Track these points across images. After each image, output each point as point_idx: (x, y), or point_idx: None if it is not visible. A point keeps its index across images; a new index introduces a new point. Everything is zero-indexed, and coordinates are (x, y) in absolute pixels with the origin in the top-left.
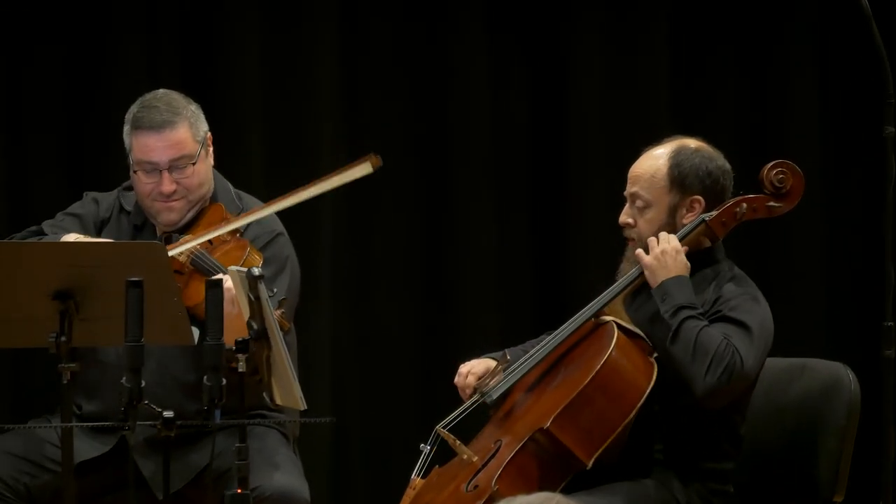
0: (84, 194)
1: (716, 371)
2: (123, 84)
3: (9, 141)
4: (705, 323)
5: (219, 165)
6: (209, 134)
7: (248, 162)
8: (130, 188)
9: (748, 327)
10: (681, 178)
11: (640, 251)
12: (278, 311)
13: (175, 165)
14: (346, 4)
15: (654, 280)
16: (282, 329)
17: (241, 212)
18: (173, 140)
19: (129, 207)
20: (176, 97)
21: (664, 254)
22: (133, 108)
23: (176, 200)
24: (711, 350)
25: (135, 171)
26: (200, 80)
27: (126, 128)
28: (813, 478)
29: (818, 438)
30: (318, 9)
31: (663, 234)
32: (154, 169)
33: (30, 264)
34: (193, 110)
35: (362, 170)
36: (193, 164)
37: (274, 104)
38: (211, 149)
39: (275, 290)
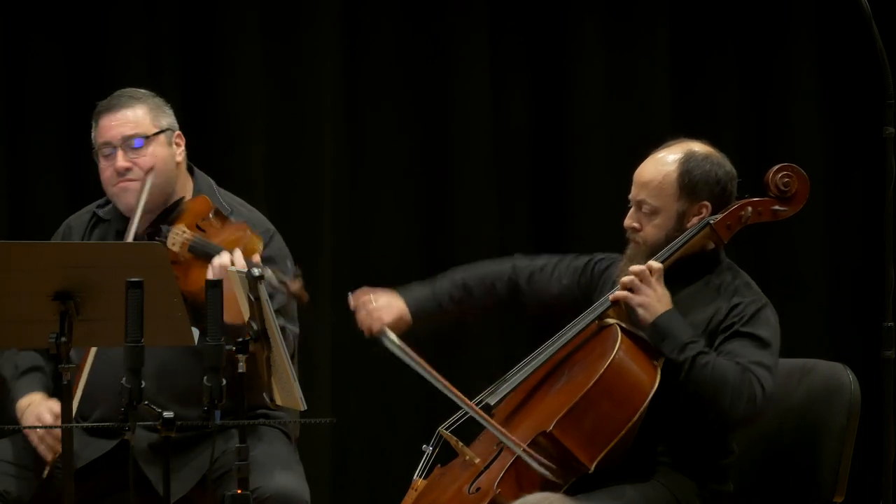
0: (63, 224)
1: (739, 402)
2: (124, 86)
3: (9, 141)
4: (713, 355)
5: (220, 169)
6: (178, 133)
7: (249, 166)
8: (103, 205)
9: (767, 343)
10: (691, 186)
11: (628, 295)
12: (298, 283)
13: (128, 144)
14: (348, 9)
15: (648, 317)
16: (300, 301)
17: (229, 212)
18: (126, 118)
19: (106, 216)
20: (140, 90)
21: (654, 291)
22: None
23: (131, 180)
24: (728, 382)
25: (98, 161)
26: (201, 81)
27: (92, 132)
28: (813, 478)
29: (818, 439)
30: (320, 14)
31: (645, 274)
32: (111, 152)
33: (30, 264)
34: (158, 102)
35: None
36: (146, 138)
37: (275, 107)
38: (180, 149)
39: (289, 264)
